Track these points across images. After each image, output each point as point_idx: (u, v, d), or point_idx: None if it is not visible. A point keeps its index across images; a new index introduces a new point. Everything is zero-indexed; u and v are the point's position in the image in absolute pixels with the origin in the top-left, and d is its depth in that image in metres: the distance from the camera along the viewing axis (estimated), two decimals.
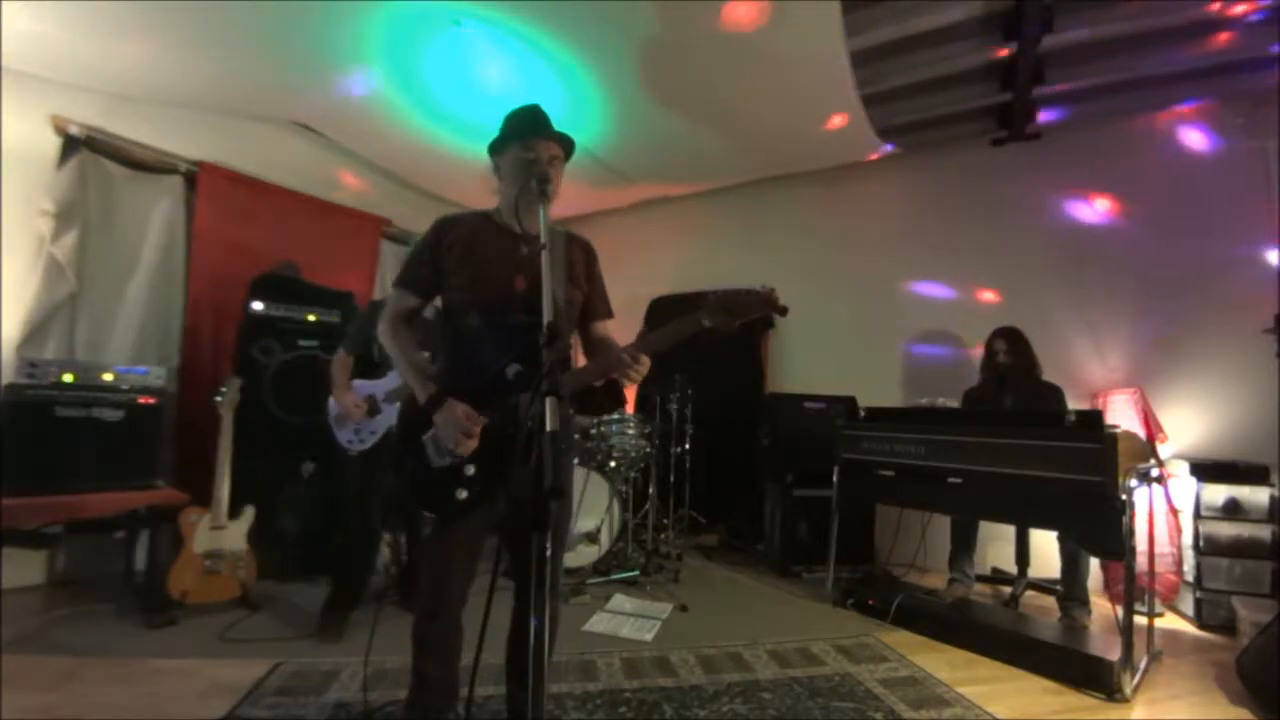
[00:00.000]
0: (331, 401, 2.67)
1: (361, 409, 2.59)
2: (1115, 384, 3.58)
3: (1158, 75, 3.42)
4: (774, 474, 3.91)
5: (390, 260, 4.62)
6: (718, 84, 3.39)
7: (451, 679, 1.58)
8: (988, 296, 4.05)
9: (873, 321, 4.46)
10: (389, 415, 2.60)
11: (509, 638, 1.64)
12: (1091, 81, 3.52)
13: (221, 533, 2.73)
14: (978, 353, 3.58)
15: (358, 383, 2.66)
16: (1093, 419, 2.48)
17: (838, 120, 3.81)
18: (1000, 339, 3.34)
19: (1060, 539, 2.99)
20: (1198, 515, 3.09)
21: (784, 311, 1.41)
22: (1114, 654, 2.26)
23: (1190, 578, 3.13)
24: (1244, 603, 2.85)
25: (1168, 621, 3.12)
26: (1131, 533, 2.34)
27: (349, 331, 2.85)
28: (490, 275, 1.52)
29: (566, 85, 3.36)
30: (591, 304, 1.67)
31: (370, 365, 2.72)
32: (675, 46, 3.03)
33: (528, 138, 1.53)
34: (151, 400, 2.91)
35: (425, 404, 1.46)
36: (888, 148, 4.21)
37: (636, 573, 3.41)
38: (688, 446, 4.17)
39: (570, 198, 1.69)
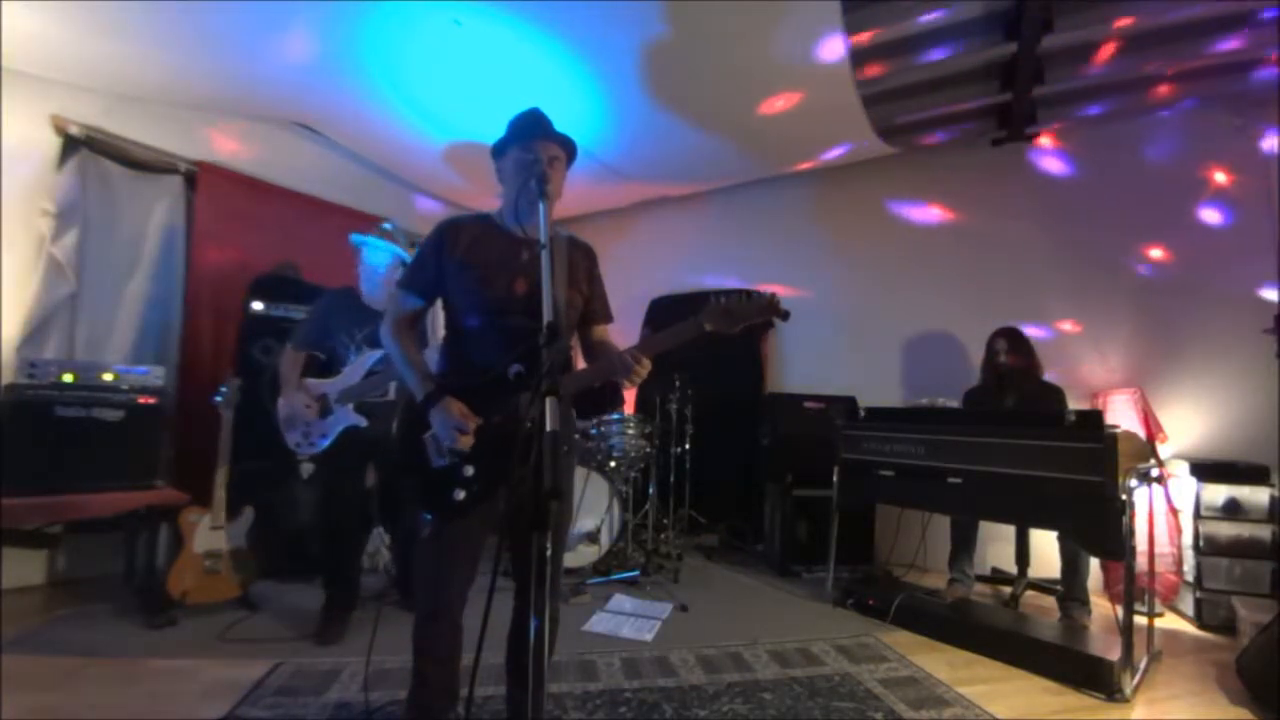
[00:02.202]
0: (281, 401, 2.60)
1: (313, 408, 2.52)
2: (1115, 384, 3.58)
3: (1158, 75, 3.42)
4: (774, 474, 3.91)
5: None
6: (718, 84, 3.39)
7: (452, 679, 1.58)
8: (988, 295, 4.05)
9: (873, 321, 4.46)
10: (342, 417, 2.55)
11: (509, 638, 1.64)
12: (1092, 81, 3.52)
13: (221, 533, 2.73)
14: (978, 352, 3.58)
15: (310, 381, 2.60)
16: (1093, 419, 2.48)
17: (836, 119, 3.81)
18: (1001, 339, 3.34)
19: (1060, 539, 2.99)
20: (1198, 515, 3.09)
21: (785, 316, 1.42)
22: (1114, 654, 2.26)
23: (1190, 578, 3.13)
24: (1244, 603, 2.85)
25: (1168, 621, 3.11)
26: (1131, 533, 2.34)
27: (299, 326, 2.77)
28: (491, 278, 1.52)
29: (567, 85, 3.36)
30: (592, 307, 1.67)
31: (322, 364, 2.64)
32: (676, 46, 3.03)
33: (527, 139, 1.54)
34: (151, 400, 2.91)
35: (422, 401, 1.47)
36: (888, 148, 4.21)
37: (636, 573, 3.41)
38: (688, 446, 4.17)
39: (570, 198, 1.69)
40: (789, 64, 3.19)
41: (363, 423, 2.56)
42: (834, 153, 4.40)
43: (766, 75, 3.31)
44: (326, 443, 2.57)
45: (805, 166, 4.67)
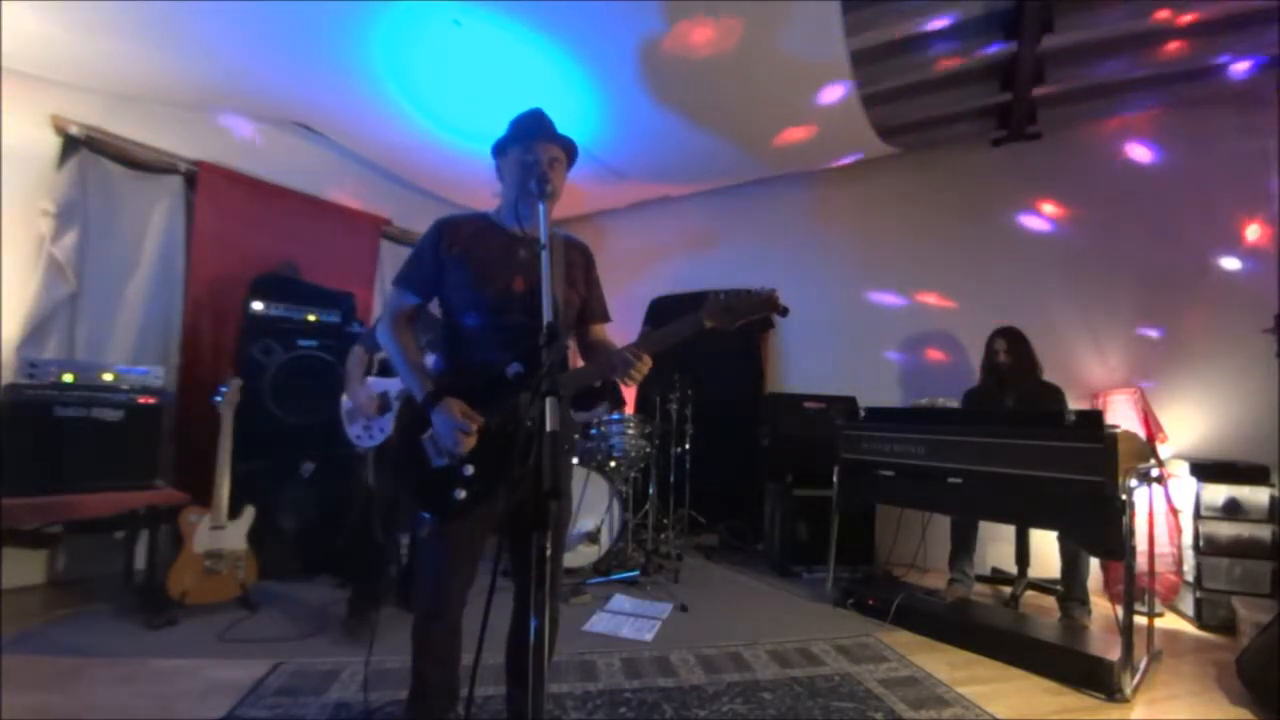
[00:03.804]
0: (345, 396, 2.72)
1: (374, 403, 2.64)
2: (1115, 384, 3.58)
3: (1158, 75, 3.42)
4: (774, 474, 3.91)
5: (390, 260, 4.62)
6: (717, 84, 3.39)
7: (452, 680, 1.58)
8: (987, 295, 4.05)
9: (873, 321, 4.46)
10: None
11: (508, 638, 1.64)
12: (1092, 81, 3.52)
13: (221, 533, 2.73)
14: (978, 352, 3.58)
15: (372, 380, 2.71)
16: (1093, 419, 2.48)
17: (837, 121, 3.81)
18: (1001, 339, 3.34)
19: (1060, 539, 2.99)
20: (1198, 515, 3.09)
21: (785, 312, 1.42)
22: (1114, 654, 2.26)
23: (1190, 578, 3.12)
24: (1244, 603, 2.85)
25: (1168, 621, 3.12)
26: (1131, 533, 2.34)
27: (367, 331, 2.91)
28: (489, 276, 1.52)
29: (566, 85, 3.36)
30: (589, 307, 1.67)
31: (385, 363, 2.76)
32: (675, 46, 3.03)
33: (529, 140, 1.53)
34: (151, 400, 2.91)
35: (422, 402, 1.46)
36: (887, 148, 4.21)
37: (636, 573, 3.41)
38: (688, 446, 4.17)
39: (570, 198, 1.69)
40: (789, 64, 3.18)
41: None
42: (833, 153, 4.40)
43: (766, 75, 3.30)
44: (384, 438, 2.69)
45: (805, 167, 4.67)
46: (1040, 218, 3.97)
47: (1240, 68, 3.28)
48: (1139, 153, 3.73)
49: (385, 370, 2.77)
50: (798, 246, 4.83)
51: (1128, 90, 3.59)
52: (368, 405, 2.63)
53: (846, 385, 4.09)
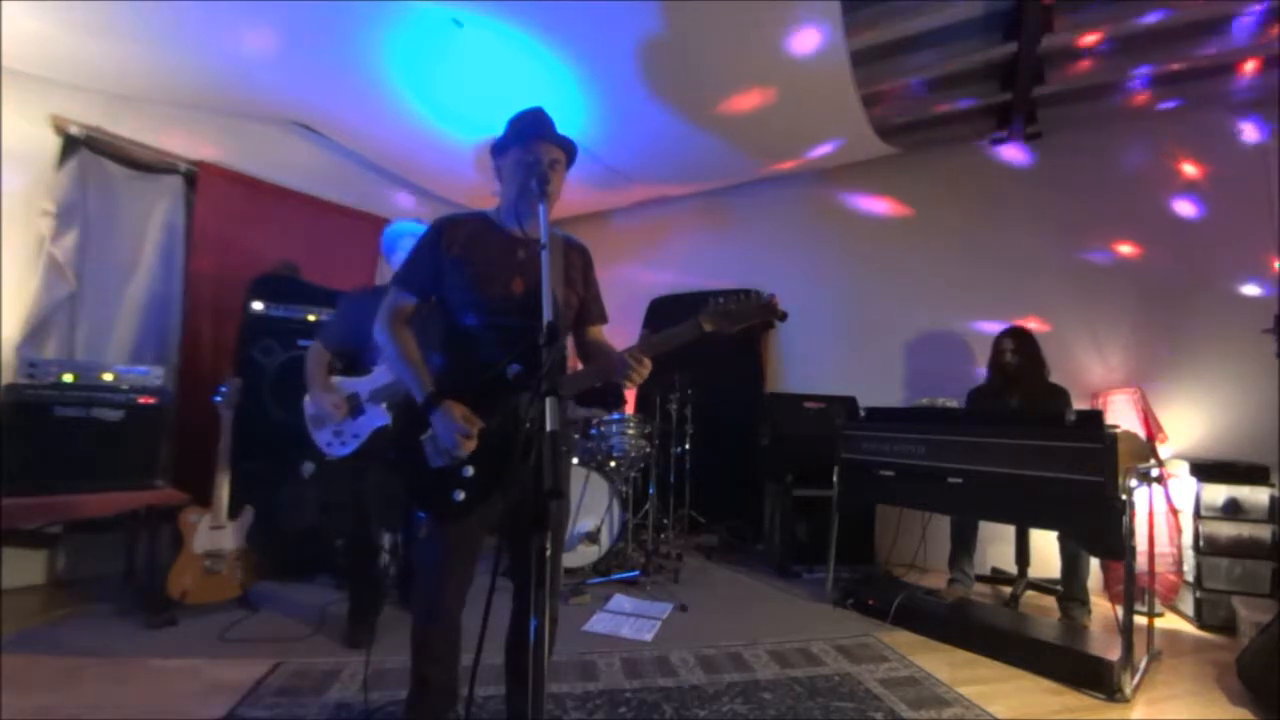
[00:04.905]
0: (308, 400, 2.52)
1: (342, 409, 2.44)
2: (1115, 384, 3.58)
3: (1157, 75, 3.42)
4: (774, 474, 3.91)
5: None
6: (717, 84, 3.39)
7: (451, 680, 1.58)
8: (987, 295, 4.05)
9: (873, 321, 4.46)
10: (373, 416, 2.46)
11: (508, 638, 1.64)
12: (1091, 81, 3.52)
13: (221, 533, 2.73)
14: (980, 352, 3.58)
15: (340, 380, 2.51)
16: (1093, 419, 2.48)
17: (837, 120, 3.81)
18: (1008, 338, 3.33)
19: (1060, 539, 2.99)
20: (1198, 515, 3.09)
21: (783, 317, 1.43)
22: (1114, 654, 2.26)
23: (1190, 578, 3.12)
24: (1244, 603, 2.85)
25: (1168, 621, 3.11)
26: (1131, 533, 2.34)
27: (326, 324, 2.70)
28: (488, 276, 1.52)
29: (566, 85, 3.35)
30: (587, 308, 1.67)
31: (351, 361, 2.56)
32: (675, 46, 3.03)
33: (529, 140, 1.53)
34: (151, 400, 2.91)
35: (422, 404, 1.46)
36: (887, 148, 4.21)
37: (636, 573, 3.41)
38: (688, 446, 4.17)
39: (571, 198, 1.69)
40: (790, 64, 3.18)
41: None
42: (833, 152, 4.40)
43: (767, 75, 3.31)
44: (359, 444, 2.47)
45: (805, 166, 4.67)
46: (1039, 218, 3.96)
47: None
48: (1138, 152, 3.72)
49: (351, 369, 2.52)
50: (797, 246, 4.83)
51: (1128, 90, 3.59)
52: (336, 409, 2.41)
53: (846, 385, 4.08)
